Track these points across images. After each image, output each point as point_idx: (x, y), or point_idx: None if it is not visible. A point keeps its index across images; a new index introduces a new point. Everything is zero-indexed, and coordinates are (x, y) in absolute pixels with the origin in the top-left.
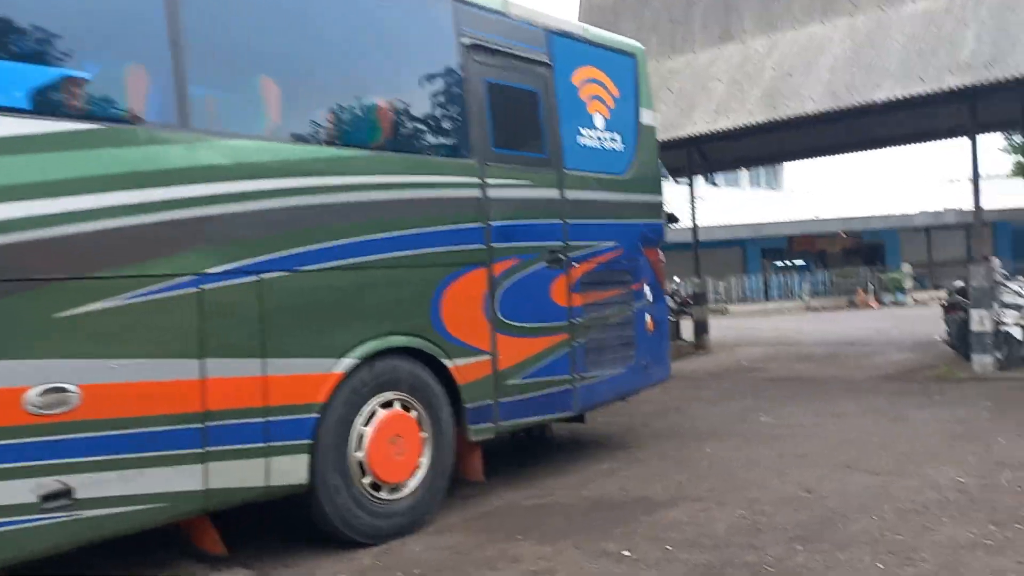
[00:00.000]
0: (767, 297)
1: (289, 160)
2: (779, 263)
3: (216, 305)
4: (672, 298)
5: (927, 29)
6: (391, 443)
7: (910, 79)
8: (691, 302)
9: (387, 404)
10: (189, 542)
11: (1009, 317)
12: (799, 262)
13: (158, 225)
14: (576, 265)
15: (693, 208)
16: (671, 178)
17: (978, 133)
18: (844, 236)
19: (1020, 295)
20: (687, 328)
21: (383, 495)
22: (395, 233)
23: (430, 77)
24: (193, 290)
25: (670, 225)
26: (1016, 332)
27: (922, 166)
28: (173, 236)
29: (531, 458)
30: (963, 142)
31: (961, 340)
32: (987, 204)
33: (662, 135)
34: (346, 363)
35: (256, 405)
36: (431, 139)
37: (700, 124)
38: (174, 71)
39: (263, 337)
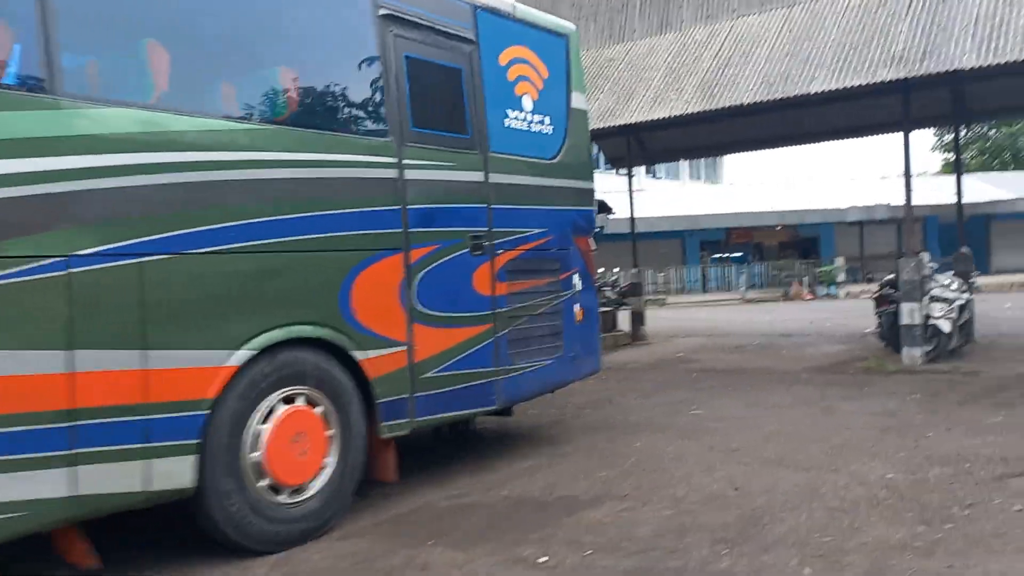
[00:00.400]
0: (705, 288)
1: (176, 132)
2: (717, 255)
3: (87, 290)
4: (612, 288)
5: (862, 22)
6: (293, 442)
7: (844, 71)
8: (629, 293)
9: (290, 399)
10: (57, 554)
11: (937, 310)
12: (737, 254)
13: (18, 200)
14: (501, 252)
15: (632, 198)
16: (611, 168)
17: (911, 129)
18: (780, 229)
19: (948, 289)
20: (624, 319)
21: (283, 498)
22: (300, 215)
23: (342, 48)
24: (60, 273)
25: (607, 215)
26: (944, 325)
27: (858, 162)
28: (37, 213)
29: (454, 454)
30: (898, 139)
31: (891, 333)
32: (918, 200)
33: (599, 123)
34: (241, 355)
35: (134, 402)
36: (342, 115)
37: (637, 113)
38: (40, 29)
39: (143, 327)
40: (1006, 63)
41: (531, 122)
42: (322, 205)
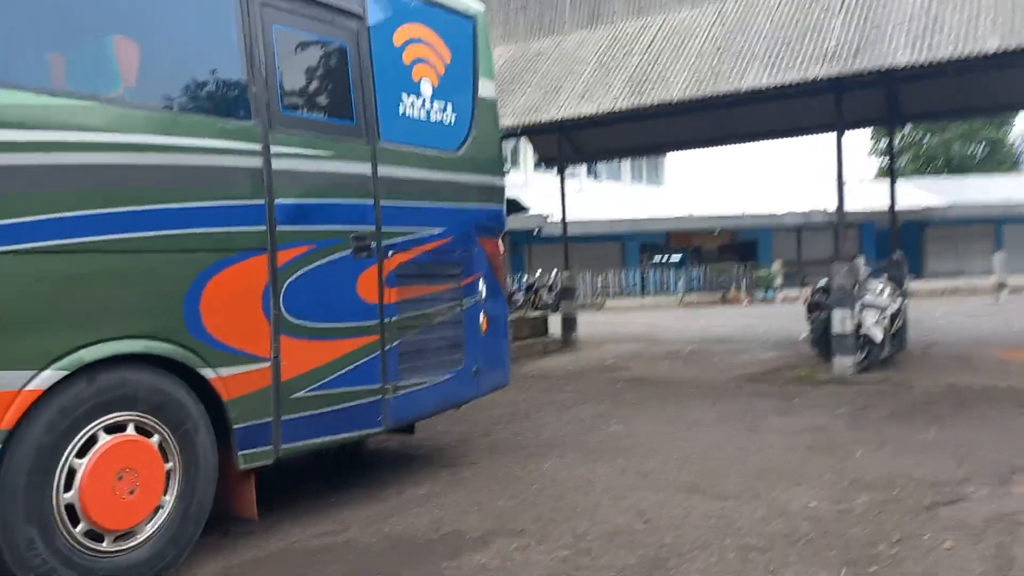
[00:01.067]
0: (644, 292)
1: None
2: (657, 258)
3: None
4: (549, 291)
5: (794, 16)
6: (118, 479)
7: (776, 68)
8: (561, 296)
9: (116, 428)
10: None
11: (869, 318)
12: (676, 258)
13: None
14: (392, 254)
15: (564, 199)
16: (544, 167)
17: (845, 130)
18: (717, 234)
19: (881, 296)
20: (555, 324)
21: (105, 547)
22: (132, 208)
23: (194, 14)
24: None
25: (545, 218)
26: (875, 333)
27: (801, 166)
28: None
29: (342, 480)
30: (827, 146)
31: (823, 341)
32: (853, 205)
33: (525, 118)
34: (47, 377)
35: None
36: (193, 93)
37: (565, 108)
38: None
39: None
40: (939, 61)
41: (430, 110)
42: (162, 197)
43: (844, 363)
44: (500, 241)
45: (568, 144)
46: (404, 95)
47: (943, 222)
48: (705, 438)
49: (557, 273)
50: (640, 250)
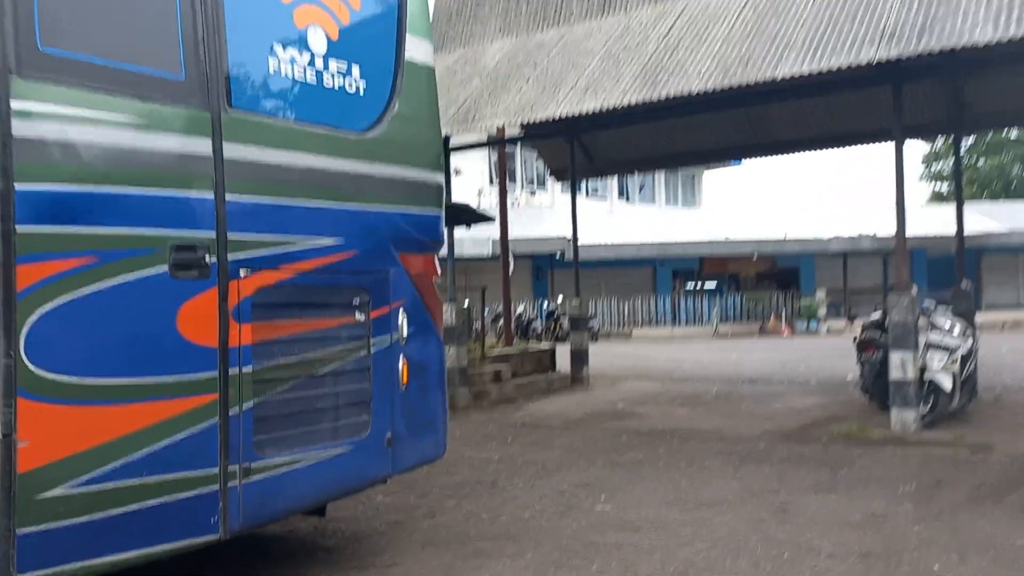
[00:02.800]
0: (676, 321)
1: None
2: (690, 285)
3: None
4: (557, 320)
5: None
6: None
7: (820, 52)
8: (572, 327)
9: None
10: None
11: (935, 361)
12: (711, 285)
13: None
14: (246, 275)
15: (574, 215)
16: (555, 179)
17: (904, 137)
18: (755, 260)
19: (949, 334)
20: (564, 358)
21: None
22: None
23: None
24: None
25: (557, 238)
26: (944, 381)
27: (841, 189)
28: None
29: None
30: (884, 163)
31: (877, 386)
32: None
33: (516, 118)
34: None
35: None
36: None
37: (564, 105)
38: None
39: None
40: None
41: (322, 72)
42: None
43: (905, 417)
44: (434, 260)
45: (581, 153)
46: (278, 47)
47: (1002, 249)
48: (719, 529)
49: (563, 300)
50: (672, 276)
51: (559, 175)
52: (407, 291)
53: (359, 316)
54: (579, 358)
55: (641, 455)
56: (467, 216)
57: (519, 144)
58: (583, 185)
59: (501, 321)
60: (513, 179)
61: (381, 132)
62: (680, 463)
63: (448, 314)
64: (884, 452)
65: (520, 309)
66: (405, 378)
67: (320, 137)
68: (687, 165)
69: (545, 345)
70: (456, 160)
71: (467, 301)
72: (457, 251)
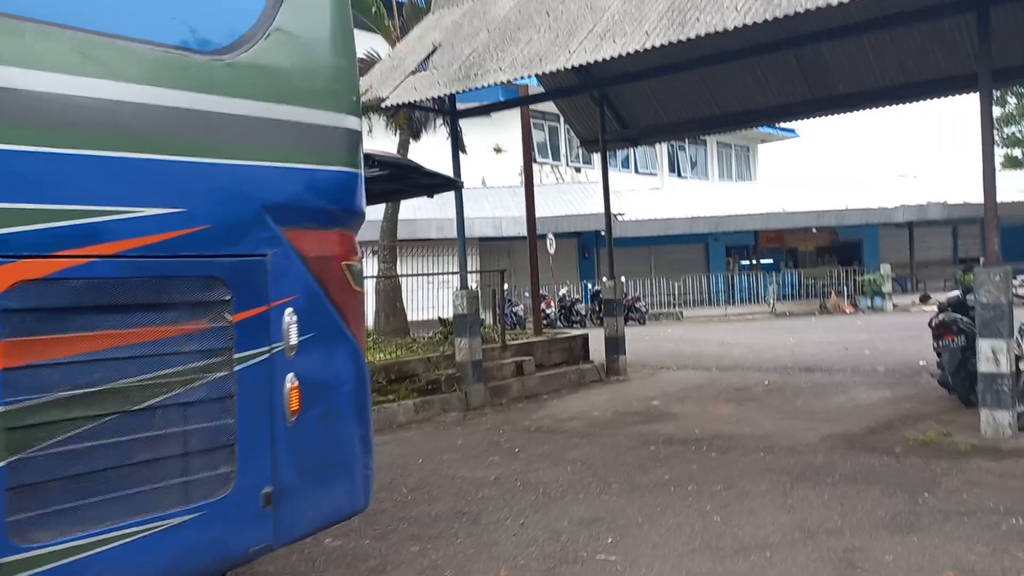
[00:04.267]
0: (729, 300)
1: None
2: (745, 262)
3: None
4: (602, 303)
5: None
6: None
7: None
8: (605, 312)
9: None
10: None
11: None
12: (767, 261)
13: None
14: None
15: (606, 187)
16: (587, 150)
17: (991, 86)
18: (814, 233)
19: None
20: (598, 345)
21: None
22: None
23: None
24: None
25: (602, 214)
26: None
27: (898, 161)
28: None
29: None
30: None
31: (958, 378)
32: (971, 197)
33: (523, 71)
34: None
35: None
36: None
37: (578, 54)
38: None
39: None
40: None
41: None
42: None
43: (998, 420)
44: (348, 239)
45: (613, 118)
46: None
47: None
48: None
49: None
50: (725, 252)
51: (590, 146)
52: (299, 283)
53: (211, 321)
54: (614, 346)
55: (668, 473)
56: (423, 179)
57: (561, 119)
58: (631, 160)
59: (545, 306)
60: (557, 155)
61: (251, 55)
62: (715, 485)
63: (460, 300)
64: (975, 467)
65: (563, 291)
66: (295, 406)
67: (139, 57)
68: (734, 127)
69: (576, 332)
70: (499, 137)
71: (506, 285)
72: (494, 230)
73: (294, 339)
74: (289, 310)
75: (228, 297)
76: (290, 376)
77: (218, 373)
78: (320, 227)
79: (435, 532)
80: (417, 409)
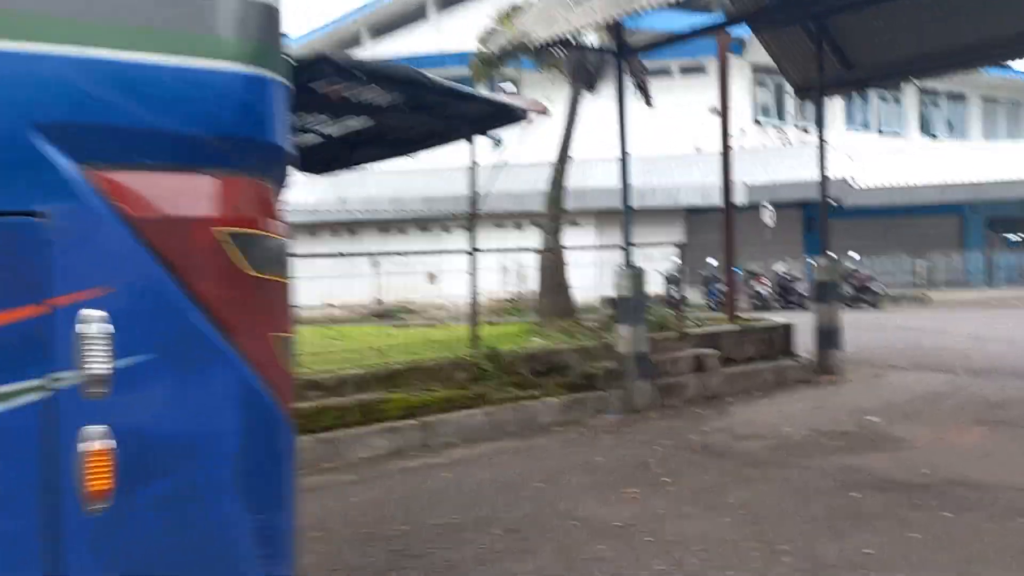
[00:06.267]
0: (989, 282)
1: None
2: (1014, 237)
3: None
4: (847, 282)
5: None
6: None
7: None
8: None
9: None
10: None
11: None
12: None
13: None
14: None
15: (822, 145)
16: (800, 98)
17: None
18: None
19: None
20: (805, 335)
21: None
22: None
23: None
24: None
25: (833, 181)
26: None
27: None
28: None
29: None
30: None
31: None
32: None
33: None
34: None
35: None
36: None
37: None
38: None
39: None
40: None
41: None
42: None
43: None
44: (243, 190)
45: (833, 55)
46: None
47: None
48: None
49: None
50: (986, 226)
51: (805, 94)
52: (120, 263)
53: None
54: (828, 339)
55: (873, 543)
56: (459, 105)
57: None
58: (871, 119)
59: (758, 284)
60: (782, 115)
61: None
62: (946, 574)
63: (623, 280)
64: None
65: (782, 268)
66: (101, 483)
67: None
68: (1002, 59)
69: (775, 320)
70: (715, 97)
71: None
72: (703, 199)
73: (102, 364)
74: (91, 313)
75: None
76: (91, 430)
77: None
78: (172, 167)
79: None
80: (564, 409)
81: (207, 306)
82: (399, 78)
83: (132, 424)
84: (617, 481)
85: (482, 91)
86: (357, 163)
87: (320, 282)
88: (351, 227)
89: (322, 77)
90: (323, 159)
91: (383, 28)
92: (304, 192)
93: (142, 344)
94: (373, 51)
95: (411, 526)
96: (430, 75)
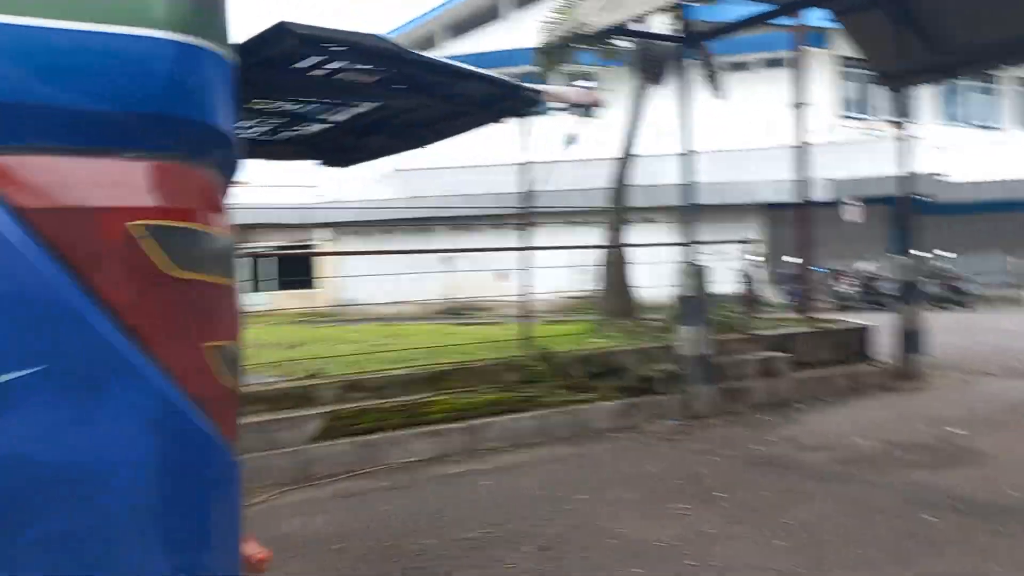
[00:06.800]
0: None
1: None
2: None
3: None
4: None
5: None
6: None
7: None
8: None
9: None
10: None
11: None
12: None
13: None
14: None
15: (899, 126)
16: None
17: None
18: None
19: None
20: (885, 335)
21: None
22: None
23: None
24: None
25: (923, 176)
26: None
27: None
28: None
29: None
30: None
31: None
32: None
33: None
34: None
35: None
36: None
37: None
38: None
39: None
40: None
41: None
42: None
43: None
44: (165, 176)
45: (916, 38)
46: None
47: None
48: None
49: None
50: None
51: (887, 80)
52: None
53: None
54: (910, 341)
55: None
56: (460, 84)
57: None
58: (966, 112)
59: (841, 283)
60: (870, 108)
61: None
62: None
63: (685, 279)
64: None
65: (870, 267)
66: None
67: None
68: None
69: (853, 322)
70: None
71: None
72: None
73: None
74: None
75: None
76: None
77: None
78: (75, 150)
79: None
80: (619, 413)
81: (116, 311)
82: (371, 49)
83: (11, 450)
84: (666, 494)
85: (486, 71)
86: (374, 154)
87: (391, 280)
88: (422, 223)
89: (297, 54)
90: (339, 149)
91: (458, 28)
92: (377, 189)
93: (28, 355)
94: (448, 51)
95: (437, 540)
96: (409, 48)
